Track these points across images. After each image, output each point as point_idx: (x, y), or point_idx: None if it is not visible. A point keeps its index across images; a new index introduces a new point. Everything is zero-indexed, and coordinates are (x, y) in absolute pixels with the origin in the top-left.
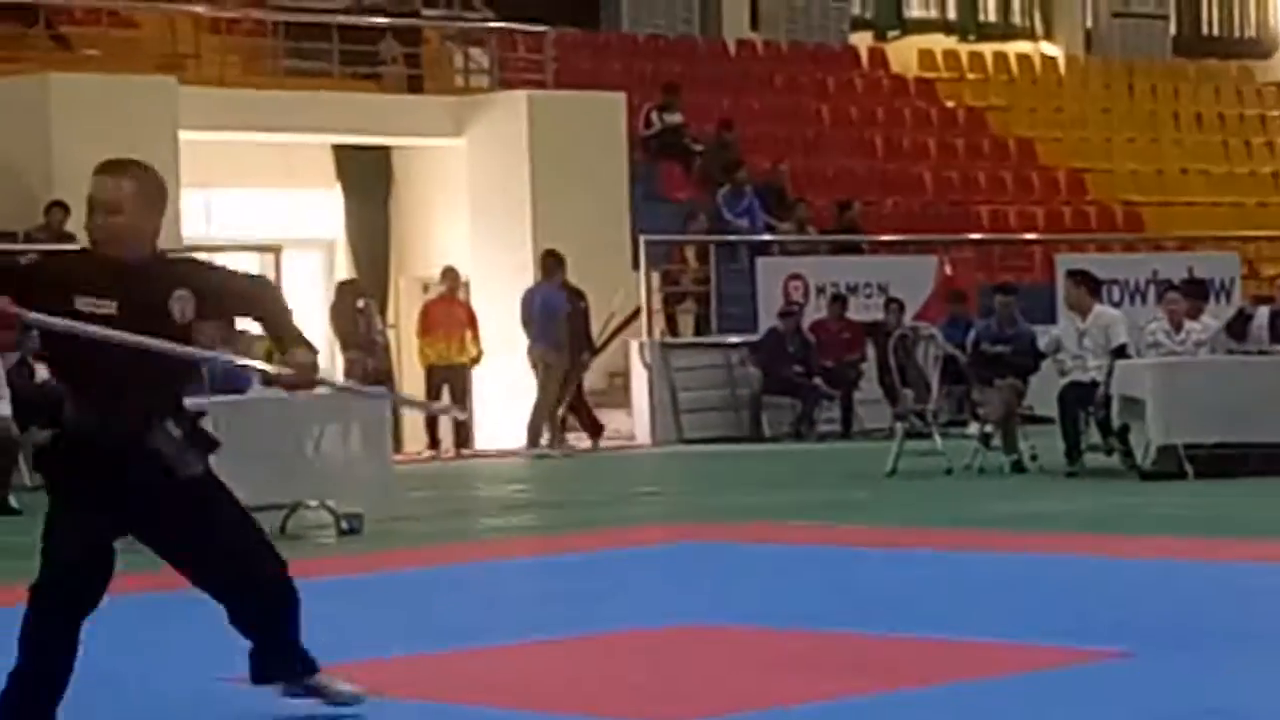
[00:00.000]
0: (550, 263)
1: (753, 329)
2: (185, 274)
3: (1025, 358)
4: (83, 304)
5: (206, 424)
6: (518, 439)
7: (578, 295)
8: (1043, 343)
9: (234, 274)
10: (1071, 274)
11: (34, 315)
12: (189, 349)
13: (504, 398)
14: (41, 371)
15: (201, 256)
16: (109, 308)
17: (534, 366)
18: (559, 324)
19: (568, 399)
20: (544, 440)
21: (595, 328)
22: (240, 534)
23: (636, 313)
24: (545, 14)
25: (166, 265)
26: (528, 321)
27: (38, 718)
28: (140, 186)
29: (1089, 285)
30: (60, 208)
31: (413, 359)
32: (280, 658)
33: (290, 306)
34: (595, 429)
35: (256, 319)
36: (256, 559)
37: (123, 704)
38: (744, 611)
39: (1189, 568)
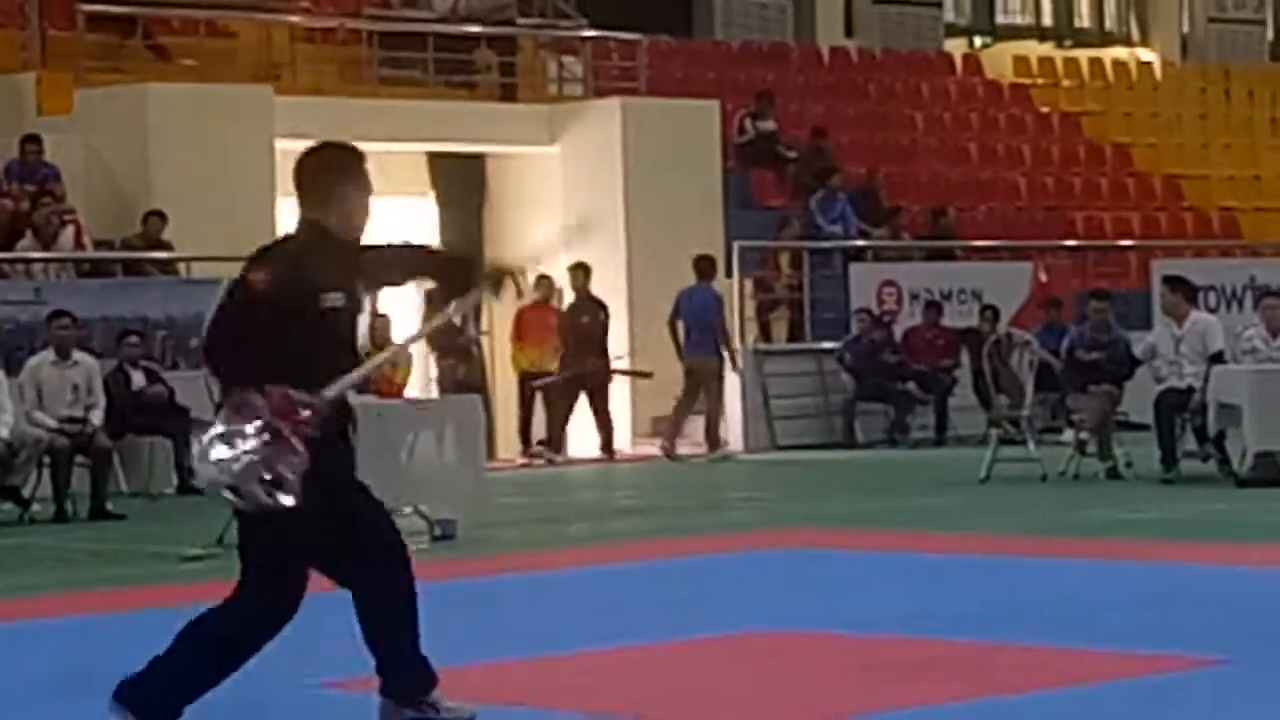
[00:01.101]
0: (704, 266)
1: (845, 336)
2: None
3: (1120, 364)
4: (333, 299)
5: None
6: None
7: (600, 306)
8: (1138, 350)
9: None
10: (1168, 280)
11: (329, 394)
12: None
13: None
14: (137, 379)
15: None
16: (338, 299)
17: (686, 374)
18: (709, 329)
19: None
20: (727, 445)
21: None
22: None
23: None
24: (639, 22)
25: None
26: (674, 321)
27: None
28: None
29: (1185, 291)
30: (158, 217)
31: (505, 366)
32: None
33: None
34: (608, 440)
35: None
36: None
37: (219, 707)
38: (837, 618)
39: None
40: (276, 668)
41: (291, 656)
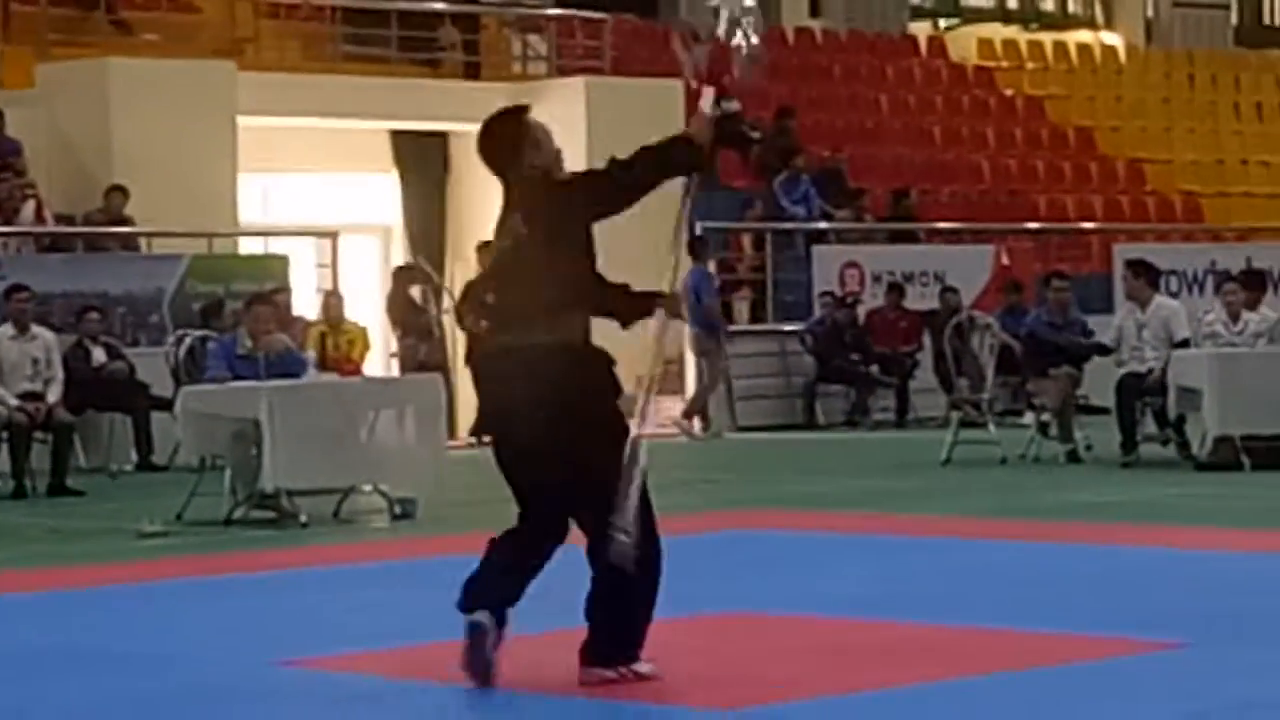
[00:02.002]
0: (697, 246)
1: (808, 317)
2: None
3: (1080, 347)
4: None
5: (261, 409)
6: None
7: None
8: (1107, 337)
9: None
10: (1131, 264)
11: None
12: None
13: None
14: (98, 354)
15: None
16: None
17: (697, 356)
18: (707, 307)
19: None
20: (696, 427)
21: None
22: None
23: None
24: (604, 1)
25: None
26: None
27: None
28: None
29: (1149, 276)
30: (119, 191)
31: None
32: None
33: None
34: None
35: None
36: None
37: (173, 689)
38: (796, 600)
39: (1245, 559)
40: (231, 648)
41: (246, 636)
